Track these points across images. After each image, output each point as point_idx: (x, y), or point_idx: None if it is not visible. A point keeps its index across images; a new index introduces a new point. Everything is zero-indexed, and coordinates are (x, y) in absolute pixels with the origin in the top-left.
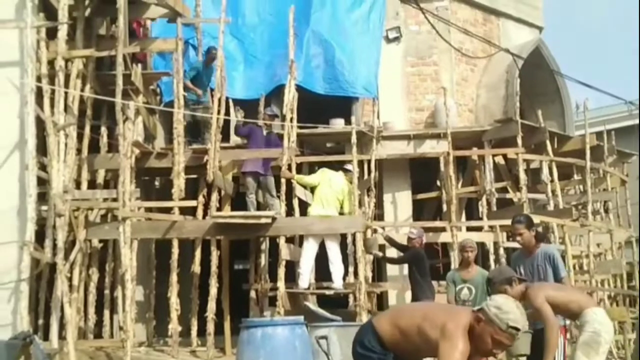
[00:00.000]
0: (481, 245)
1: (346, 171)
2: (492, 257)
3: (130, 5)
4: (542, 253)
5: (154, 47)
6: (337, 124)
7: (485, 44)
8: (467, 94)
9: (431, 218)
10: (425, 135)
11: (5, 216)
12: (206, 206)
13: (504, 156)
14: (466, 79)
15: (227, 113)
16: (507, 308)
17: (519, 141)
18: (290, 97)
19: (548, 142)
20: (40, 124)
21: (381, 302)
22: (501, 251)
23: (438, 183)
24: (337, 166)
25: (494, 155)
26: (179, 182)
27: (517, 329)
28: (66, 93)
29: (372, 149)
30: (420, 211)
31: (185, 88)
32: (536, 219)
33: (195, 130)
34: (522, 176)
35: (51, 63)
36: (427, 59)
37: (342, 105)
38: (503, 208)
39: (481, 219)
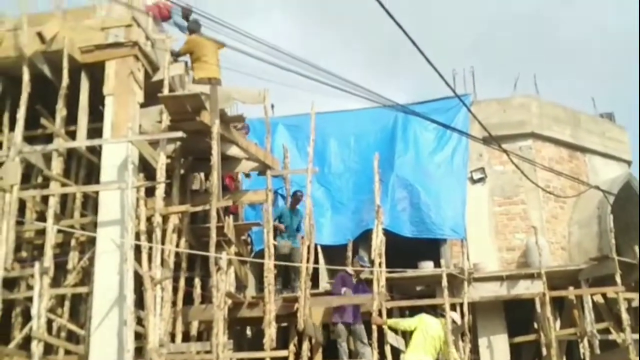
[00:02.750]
0: None
1: (444, 318)
2: None
3: (223, 161)
4: None
5: (245, 199)
6: (427, 267)
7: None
8: (559, 231)
9: None
10: (518, 275)
11: None
12: (297, 355)
13: (603, 295)
14: (556, 216)
15: (316, 260)
16: None
17: (618, 279)
18: (377, 241)
19: None
20: (138, 278)
21: None
22: None
23: (535, 325)
24: (434, 312)
25: (592, 295)
26: (270, 331)
27: None
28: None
29: (464, 292)
30: (518, 355)
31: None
32: None
33: (286, 278)
34: (625, 316)
35: (149, 219)
36: (515, 198)
37: (431, 248)
38: (607, 350)
39: None
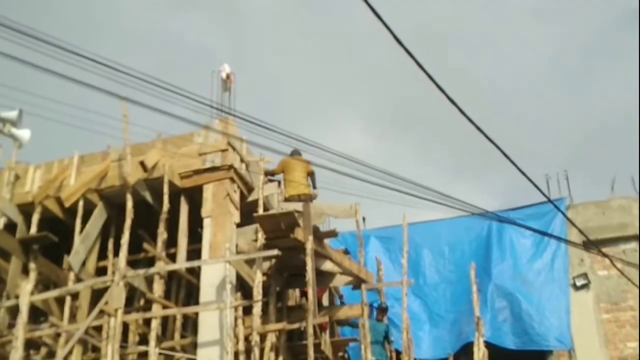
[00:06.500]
0: None
1: None
2: None
3: (318, 275)
4: None
5: (341, 314)
6: None
7: None
8: None
9: None
10: None
11: None
12: None
13: None
14: None
15: None
16: None
17: None
18: (480, 355)
19: None
20: None
21: None
22: None
23: None
24: None
25: None
26: None
27: None
28: None
29: None
30: None
31: None
32: None
33: None
34: None
35: (246, 338)
36: (622, 304)
37: None
38: None
39: None
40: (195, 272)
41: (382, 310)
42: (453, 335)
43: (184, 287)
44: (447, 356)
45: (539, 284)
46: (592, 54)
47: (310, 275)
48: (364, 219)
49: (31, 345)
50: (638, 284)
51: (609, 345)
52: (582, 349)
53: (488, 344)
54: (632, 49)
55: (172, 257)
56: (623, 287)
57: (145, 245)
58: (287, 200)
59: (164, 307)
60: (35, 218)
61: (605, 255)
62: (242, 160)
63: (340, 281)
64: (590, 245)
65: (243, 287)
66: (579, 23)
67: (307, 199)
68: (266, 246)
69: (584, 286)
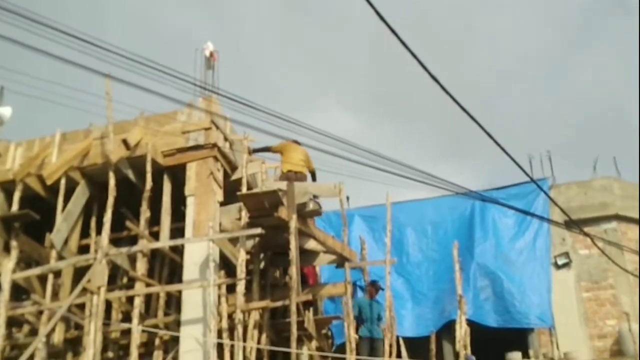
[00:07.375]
0: None
1: None
2: None
3: (301, 254)
4: None
5: (325, 292)
6: (515, 358)
7: None
8: None
9: None
10: None
11: None
12: None
13: None
14: None
15: (398, 352)
16: None
17: None
18: (461, 332)
19: None
20: None
21: None
22: None
23: None
24: None
25: None
26: None
27: None
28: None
29: None
30: None
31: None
32: None
33: None
34: None
35: (230, 316)
36: (603, 283)
37: (518, 337)
38: None
39: None
40: (178, 251)
41: (376, 287)
42: (435, 313)
43: (167, 266)
44: (430, 334)
45: (521, 263)
46: (577, 37)
47: (293, 253)
48: (347, 198)
49: (13, 322)
50: (619, 264)
51: (589, 323)
52: (563, 327)
53: (470, 322)
54: (615, 34)
55: (155, 236)
56: (604, 266)
57: (128, 224)
58: (283, 175)
59: (147, 285)
60: (16, 196)
61: (586, 234)
62: (225, 139)
63: (323, 260)
64: (572, 224)
65: (227, 265)
66: (563, 6)
67: (303, 178)
68: (250, 225)
69: (565, 265)
